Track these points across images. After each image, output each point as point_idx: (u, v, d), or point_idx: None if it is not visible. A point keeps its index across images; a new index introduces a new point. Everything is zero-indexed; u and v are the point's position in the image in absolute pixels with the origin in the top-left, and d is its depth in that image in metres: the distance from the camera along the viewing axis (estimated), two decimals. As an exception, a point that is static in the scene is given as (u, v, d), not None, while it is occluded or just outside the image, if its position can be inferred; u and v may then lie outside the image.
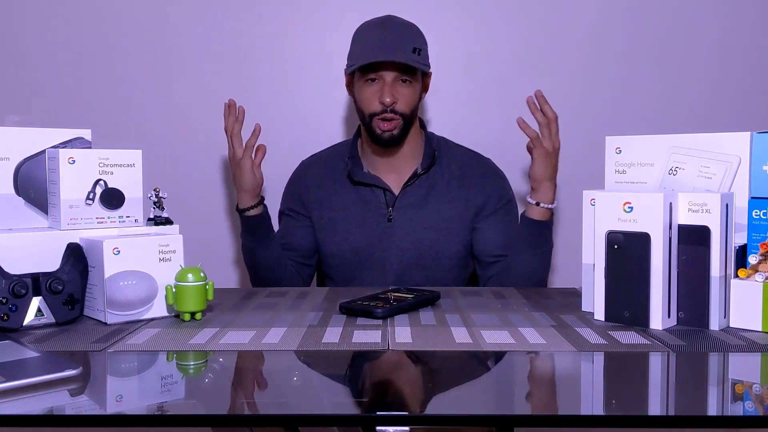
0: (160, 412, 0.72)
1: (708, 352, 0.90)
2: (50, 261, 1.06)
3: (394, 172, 1.63)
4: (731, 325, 1.01)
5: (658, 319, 1.00)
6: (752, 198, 1.02)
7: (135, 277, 1.06)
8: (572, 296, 1.25)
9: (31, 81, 1.97)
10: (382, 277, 1.60)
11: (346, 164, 1.63)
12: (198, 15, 1.97)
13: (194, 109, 1.98)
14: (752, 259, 0.99)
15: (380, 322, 1.06)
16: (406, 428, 0.68)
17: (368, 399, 0.77)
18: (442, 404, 0.77)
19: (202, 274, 1.07)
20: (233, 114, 1.49)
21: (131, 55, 1.98)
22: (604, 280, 1.04)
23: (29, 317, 1.01)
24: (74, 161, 1.10)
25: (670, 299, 1.01)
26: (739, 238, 1.03)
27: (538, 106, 1.43)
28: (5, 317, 0.99)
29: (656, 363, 0.88)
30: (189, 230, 1.24)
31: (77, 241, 1.09)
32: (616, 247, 1.02)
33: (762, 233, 1.00)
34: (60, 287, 1.03)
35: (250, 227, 1.56)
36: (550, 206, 1.47)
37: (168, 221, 1.18)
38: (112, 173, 1.14)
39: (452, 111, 2.00)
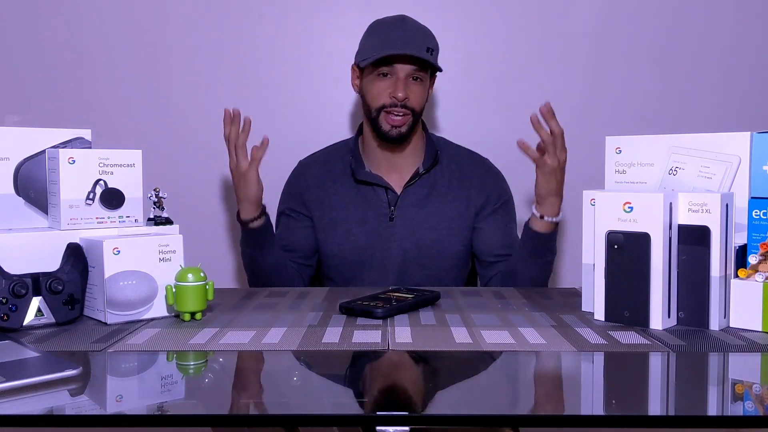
0: (160, 412, 0.72)
1: (708, 352, 0.90)
2: (50, 261, 1.06)
3: (396, 171, 1.63)
4: (731, 325, 1.01)
5: (658, 319, 1.00)
6: (752, 198, 1.02)
7: (135, 277, 1.06)
8: (572, 296, 1.25)
9: (31, 81, 1.97)
10: (382, 276, 1.60)
11: (347, 163, 1.63)
12: (198, 15, 1.97)
13: (194, 110, 1.98)
14: (752, 259, 0.99)
15: (380, 322, 1.06)
16: (406, 428, 0.68)
17: (368, 399, 0.77)
18: (442, 404, 0.77)
19: (202, 274, 1.07)
20: (237, 124, 1.43)
21: (131, 55, 1.98)
22: (604, 280, 1.04)
23: (29, 317, 1.01)
24: (74, 161, 1.10)
25: (670, 299, 1.01)
26: (739, 238, 1.02)
27: (543, 123, 1.35)
28: (5, 317, 0.99)
29: (656, 363, 0.88)
30: (189, 230, 1.24)
31: (77, 241, 1.09)
32: (616, 247, 1.02)
33: (762, 233, 1.00)
34: (60, 287, 1.03)
35: (252, 238, 1.54)
36: (554, 219, 1.44)
37: (168, 221, 1.18)
38: (112, 173, 1.14)
39: (452, 111, 2.00)
